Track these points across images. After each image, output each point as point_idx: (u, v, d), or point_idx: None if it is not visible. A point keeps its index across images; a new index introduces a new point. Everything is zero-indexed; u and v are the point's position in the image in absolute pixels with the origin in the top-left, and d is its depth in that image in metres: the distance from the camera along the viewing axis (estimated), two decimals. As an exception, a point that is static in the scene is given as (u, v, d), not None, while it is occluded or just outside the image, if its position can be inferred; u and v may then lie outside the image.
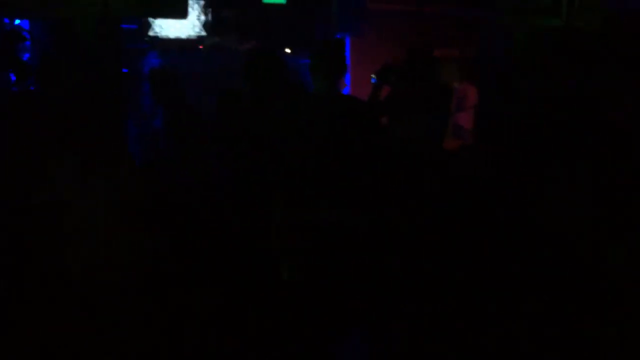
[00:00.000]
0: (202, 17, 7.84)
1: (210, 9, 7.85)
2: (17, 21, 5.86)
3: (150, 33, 7.41)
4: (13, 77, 5.39)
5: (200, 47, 7.27)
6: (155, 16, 6.89)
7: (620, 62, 5.47)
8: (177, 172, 4.20)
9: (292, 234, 2.58)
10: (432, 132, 4.08)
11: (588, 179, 4.05)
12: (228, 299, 2.98)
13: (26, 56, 5.81)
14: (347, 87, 8.84)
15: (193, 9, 7.76)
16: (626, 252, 3.02)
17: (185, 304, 2.97)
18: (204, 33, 7.70)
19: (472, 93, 8.11)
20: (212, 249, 3.24)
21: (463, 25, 8.15)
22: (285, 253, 2.61)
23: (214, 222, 3.42)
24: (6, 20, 5.65)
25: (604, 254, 3.13)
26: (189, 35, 7.78)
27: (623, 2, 6.25)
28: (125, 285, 2.88)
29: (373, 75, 4.56)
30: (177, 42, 7.66)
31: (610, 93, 4.84)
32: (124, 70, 6.19)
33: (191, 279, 3.12)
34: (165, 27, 7.39)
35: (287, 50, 7.62)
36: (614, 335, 2.65)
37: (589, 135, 4.40)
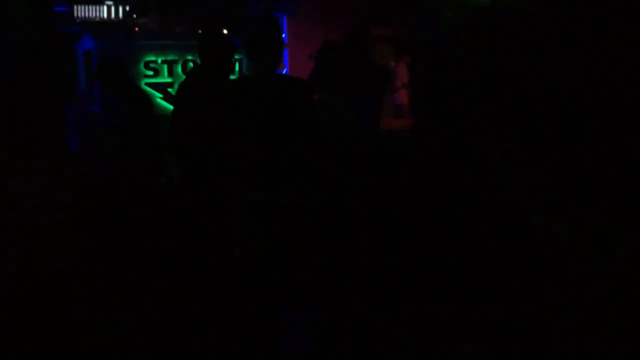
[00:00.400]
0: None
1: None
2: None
3: (83, 15, 7.24)
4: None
5: (136, 29, 7.14)
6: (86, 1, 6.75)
7: (545, 39, 5.72)
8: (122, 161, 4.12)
9: (240, 213, 2.63)
10: (365, 112, 4.13)
11: (522, 150, 4.27)
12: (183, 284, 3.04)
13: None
14: (285, 67, 8.89)
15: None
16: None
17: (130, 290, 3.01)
18: (136, 15, 7.57)
19: (403, 71, 8.33)
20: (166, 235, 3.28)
21: (397, 5, 8.30)
22: (236, 231, 2.67)
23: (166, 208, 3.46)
24: None
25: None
26: (123, 18, 7.64)
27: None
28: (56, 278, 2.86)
29: (313, 55, 4.59)
30: (110, 24, 7.51)
31: (535, 69, 5.08)
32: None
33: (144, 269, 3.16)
34: (98, 10, 7.25)
35: (225, 31, 7.59)
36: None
37: (517, 110, 4.63)
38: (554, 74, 5.10)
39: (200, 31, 7.74)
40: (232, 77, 4.46)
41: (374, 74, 4.46)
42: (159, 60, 6.31)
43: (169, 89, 6.00)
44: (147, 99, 4.57)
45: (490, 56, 4.97)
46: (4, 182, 2.74)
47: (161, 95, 6.21)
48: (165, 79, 6.30)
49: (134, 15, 7.58)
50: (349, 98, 4.10)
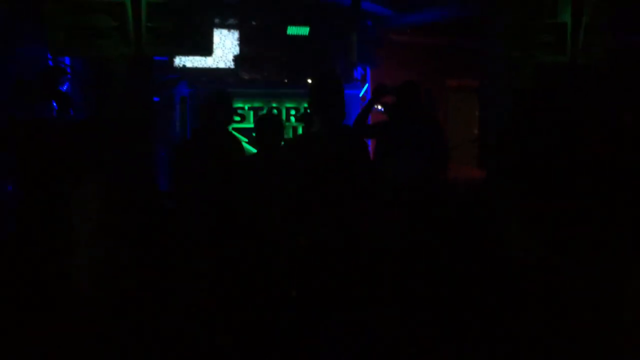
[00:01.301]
0: (228, 48, 8.27)
1: (236, 41, 8.28)
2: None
3: (180, 64, 7.88)
4: (55, 106, 5.86)
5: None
6: (184, 54, 7.34)
7: (624, 96, 5.66)
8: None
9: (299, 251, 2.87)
10: (420, 167, 4.17)
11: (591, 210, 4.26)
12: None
13: (65, 86, 6.29)
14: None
15: (221, 39, 8.21)
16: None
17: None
18: (230, 64, 8.13)
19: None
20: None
21: (481, 57, 8.40)
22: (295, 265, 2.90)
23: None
24: (49, 56, 6.14)
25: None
26: (216, 66, 8.21)
27: (628, 38, 6.47)
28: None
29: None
30: (205, 72, 8.10)
31: (612, 128, 5.05)
32: (155, 99, 6.62)
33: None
34: (194, 59, 7.86)
35: (309, 81, 7.98)
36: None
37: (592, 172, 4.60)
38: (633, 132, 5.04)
39: (286, 80, 8.18)
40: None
41: (426, 129, 4.52)
42: (246, 107, 6.75)
43: (253, 134, 6.38)
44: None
45: (564, 113, 4.99)
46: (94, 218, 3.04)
47: (246, 140, 6.62)
48: (250, 124, 6.72)
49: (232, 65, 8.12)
50: (400, 154, 4.20)
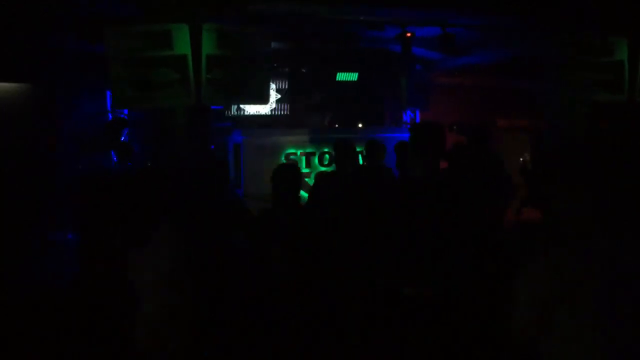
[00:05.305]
0: (279, 96, 8.45)
1: (287, 89, 8.45)
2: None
3: (233, 112, 8.07)
4: (114, 156, 6.05)
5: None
6: (241, 103, 7.50)
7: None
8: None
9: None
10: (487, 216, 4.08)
11: None
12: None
13: (123, 137, 6.52)
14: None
15: (272, 88, 8.39)
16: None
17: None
18: (281, 111, 8.29)
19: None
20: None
21: (532, 97, 8.33)
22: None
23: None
24: (108, 108, 6.38)
25: None
26: (267, 113, 8.37)
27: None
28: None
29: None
30: (256, 118, 8.27)
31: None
32: (211, 146, 6.77)
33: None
34: (245, 106, 8.05)
35: (360, 125, 8.04)
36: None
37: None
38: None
39: (337, 125, 8.25)
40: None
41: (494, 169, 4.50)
42: (298, 153, 6.81)
43: (306, 179, 6.41)
44: None
45: (621, 152, 4.87)
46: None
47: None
48: (303, 169, 6.76)
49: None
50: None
